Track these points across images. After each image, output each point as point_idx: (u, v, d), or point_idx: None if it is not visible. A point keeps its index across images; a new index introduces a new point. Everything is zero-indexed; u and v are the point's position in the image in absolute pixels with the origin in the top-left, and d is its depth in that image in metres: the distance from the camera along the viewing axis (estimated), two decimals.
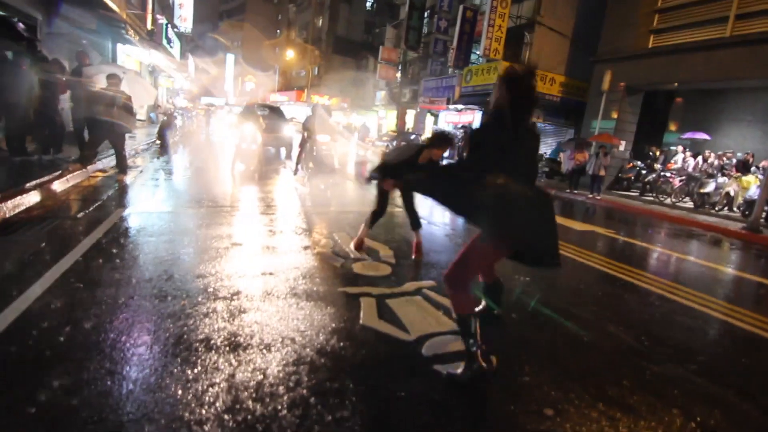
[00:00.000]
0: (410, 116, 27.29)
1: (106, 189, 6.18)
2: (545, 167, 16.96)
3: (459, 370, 2.19)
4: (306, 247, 4.29)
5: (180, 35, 22.81)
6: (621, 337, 2.96)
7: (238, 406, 1.82)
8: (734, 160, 12.33)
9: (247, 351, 2.26)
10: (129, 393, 1.85)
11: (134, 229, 4.42)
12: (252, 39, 51.68)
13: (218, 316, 2.62)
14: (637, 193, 13.40)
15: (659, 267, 5.36)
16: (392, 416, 1.86)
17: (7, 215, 4.27)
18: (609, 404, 2.12)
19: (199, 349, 2.24)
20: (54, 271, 3.03)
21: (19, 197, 4.66)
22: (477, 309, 2.94)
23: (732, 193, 10.99)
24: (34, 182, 5.24)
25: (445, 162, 4.00)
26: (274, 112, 14.80)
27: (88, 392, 1.82)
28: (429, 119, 25.66)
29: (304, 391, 1.96)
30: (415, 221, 4.27)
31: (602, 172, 12.51)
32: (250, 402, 1.86)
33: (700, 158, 12.95)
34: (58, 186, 5.72)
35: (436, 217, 6.40)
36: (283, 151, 13.56)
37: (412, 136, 21.89)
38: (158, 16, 16.17)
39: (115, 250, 3.64)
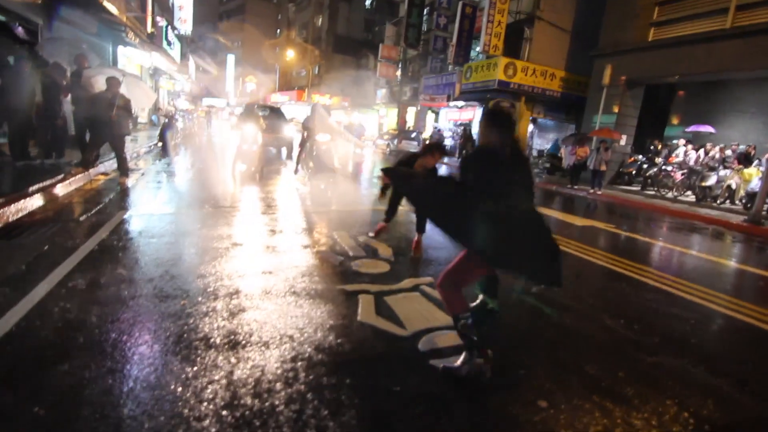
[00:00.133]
0: (411, 114, 27.28)
1: (108, 192, 6.24)
2: (546, 163, 16.94)
3: (455, 364, 2.22)
4: (305, 246, 4.33)
5: (180, 37, 22.88)
6: (617, 330, 2.99)
7: (236, 402, 1.86)
8: (730, 152, 12.25)
9: (246, 348, 2.30)
10: (130, 391, 1.89)
11: (136, 231, 4.47)
12: (252, 39, 51.75)
13: (218, 315, 2.66)
14: (639, 188, 13.36)
15: (659, 261, 5.36)
16: (387, 410, 1.89)
17: (11, 219, 4.33)
18: (603, 395, 2.15)
19: (199, 347, 2.29)
20: (57, 273, 3.08)
21: (22, 201, 4.72)
22: (473, 304, 2.97)
23: (734, 186, 10.94)
24: (36, 186, 5.30)
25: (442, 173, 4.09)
26: (275, 112, 14.85)
27: (90, 391, 1.87)
28: (430, 117, 25.64)
29: (301, 387, 2.00)
30: (421, 224, 4.30)
31: (603, 167, 12.47)
32: (248, 398, 1.90)
33: (701, 151, 12.89)
34: (60, 190, 5.78)
35: None
36: (284, 151, 13.61)
37: (413, 134, 21.90)
38: (158, 19, 16.24)
39: (116, 252, 3.69)
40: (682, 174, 11.95)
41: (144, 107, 14.24)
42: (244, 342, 2.37)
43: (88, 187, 6.48)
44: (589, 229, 6.79)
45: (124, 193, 6.27)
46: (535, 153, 18.98)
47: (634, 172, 13.94)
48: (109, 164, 7.92)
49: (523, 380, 2.26)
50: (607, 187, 13.13)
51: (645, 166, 13.52)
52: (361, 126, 12.13)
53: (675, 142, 14.24)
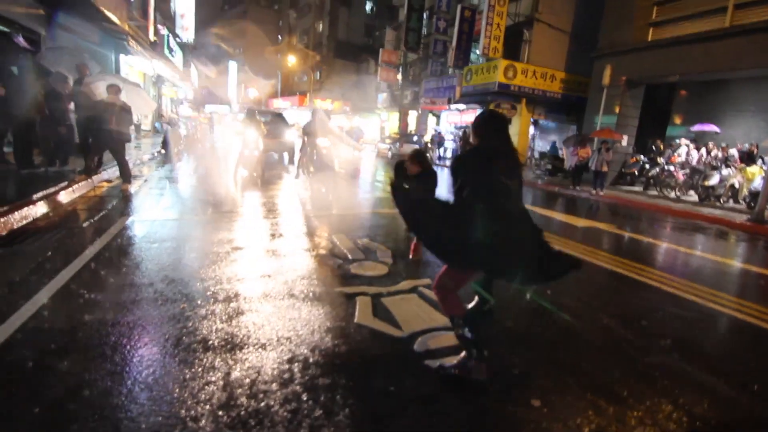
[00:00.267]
0: (412, 117, 27.36)
1: (111, 199, 6.31)
2: (548, 164, 16.93)
3: (451, 364, 2.24)
4: (305, 250, 4.37)
5: (182, 45, 23.10)
6: (616, 330, 2.99)
7: (232, 403, 1.89)
8: (734, 151, 12.20)
9: (243, 350, 2.33)
10: (129, 392, 1.92)
11: (137, 236, 4.52)
12: (254, 46, 52.13)
13: (216, 318, 2.70)
14: (641, 188, 13.32)
15: (660, 261, 5.35)
16: (381, 410, 1.91)
17: (15, 226, 4.39)
18: (598, 395, 2.16)
19: (197, 349, 2.32)
20: (59, 278, 3.12)
21: (26, 209, 4.78)
22: (470, 305, 2.98)
23: (737, 185, 10.90)
24: (40, 194, 5.37)
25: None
26: (276, 117, 14.94)
27: (90, 392, 1.90)
28: (431, 120, 25.72)
29: (297, 388, 2.03)
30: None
31: (605, 168, 12.44)
32: (244, 398, 1.93)
33: (703, 150, 12.85)
34: (64, 197, 5.85)
35: None
36: (286, 156, 13.69)
37: (415, 138, 21.95)
38: (160, 27, 16.41)
39: (118, 258, 3.74)
40: (685, 174, 11.92)
41: (146, 114, 14.36)
42: (241, 344, 2.40)
43: (91, 194, 6.55)
44: (591, 230, 6.79)
45: (126, 200, 6.33)
46: (536, 155, 19.00)
47: (636, 173, 13.91)
48: (112, 171, 8.00)
49: (518, 380, 2.27)
50: (609, 188, 13.10)
51: (647, 166, 13.49)
52: (359, 129, 12.18)
53: (677, 141, 14.22)
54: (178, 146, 14.47)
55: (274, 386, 2.03)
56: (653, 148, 14.37)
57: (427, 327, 2.72)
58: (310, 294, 3.18)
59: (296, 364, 2.23)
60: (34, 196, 5.19)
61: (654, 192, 12.56)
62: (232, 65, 48.71)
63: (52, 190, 5.69)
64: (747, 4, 10.51)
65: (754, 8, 10.36)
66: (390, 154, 21.80)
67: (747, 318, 3.42)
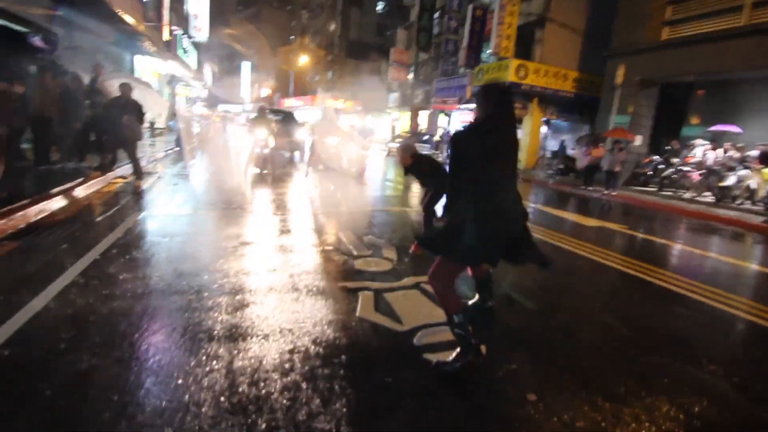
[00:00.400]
0: (423, 117, 27.33)
1: (125, 195, 6.46)
2: (560, 164, 16.76)
3: (448, 359, 2.26)
4: (311, 246, 4.43)
5: (196, 45, 23.44)
6: (616, 328, 2.98)
7: (234, 389, 1.94)
8: (756, 152, 11.93)
9: (247, 341, 2.39)
10: (136, 378, 2.00)
11: (149, 231, 4.64)
12: (267, 46, 52.57)
13: (222, 310, 2.76)
14: (656, 189, 13.12)
15: (670, 261, 5.29)
16: (377, 401, 1.95)
17: (33, 220, 4.54)
18: (595, 393, 2.17)
19: (203, 338, 2.38)
20: (72, 270, 3.23)
21: (43, 203, 4.93)
22: (470, 302, 3.01)
23: (754, 186, 10.67)
24: (57, 189, 5.53)
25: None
26: (287, 116, 15.08)
27: (99, 377, 1.97)
28: (443, 119, 25.65)
29: (297, 377, 2.07)
30: (427, 223, 4.39)
31: (618, 168, 12.30)
32: (245, 386, 1.98)
33: (720, 151, 12.60)
34: (79, 192, 6.01)
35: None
36: (297, 154, 13.81)
37: (426, 137, 21.93)
38: (174, 28, 16.68)
39: (130, 251, 3.84)
40: (700, 174, 11.71)
41: (160, 113, 14.64)
42: (245, 334, 2.46)
43: (105, 189, 6.72)
44: (601, 230, 6.72)
45: (139, 196, 6.47)
46: (549, 154, 18.82)
47: (650, 173, 13.70)
48: (126, 168, 8.18)
49: (514, 375, 2.28)
50: (622, 189, 12.93)
51: (661, 166, 13.28)
52: (367, 128, 12.31)
53: (693, 141, 13.94)
54: (191, 144, 14.70)
55: (275, 375, 2.08)
56: (668, 148, 14.13)
57: (427, 322, 2.75)
58: (314, 288, 3.24)
59: (297, 354, 2.28)
60: (51, 191, 5.35)
61: (668, 193, 12.37)
62: (245, 65, 49.20)
63: (68, 185, 5.85)
64: (764, 2, 10.29)
65: None
66: None
67: (760, 321, 3.37)
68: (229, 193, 7.27)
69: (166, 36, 15.22)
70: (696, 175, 11.76)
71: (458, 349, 2.25)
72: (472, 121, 2.31)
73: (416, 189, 8.42)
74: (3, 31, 6.73)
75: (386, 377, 2.13)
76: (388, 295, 3.17)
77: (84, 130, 7.71)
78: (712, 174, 11.51)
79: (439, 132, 23.61)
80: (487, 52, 18.65)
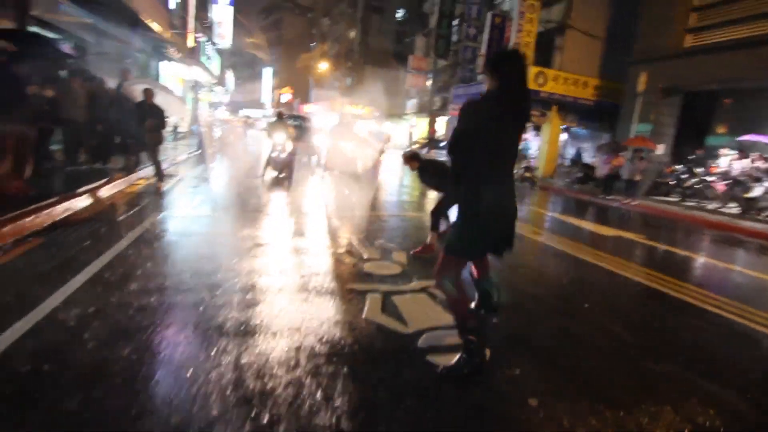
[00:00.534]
0: (441, 123, 27.34)
1: (146, 195, 6.68)
2: (579, 172, 16.51)
3: (454, 364, 2.25)
4: (323, 248, 4.50)
5: (219, 51, 24.05)
6: (625, 338, 2.94)
7: (240, 382, 2.01)
8: None
9: (255, 337, 2.46)
10: (148, 368, 2.08)
11: (167, 230, 4.79)
12: (288, 53, 53.53)
13: (233, 308, 2.84)
14: (678, 199, 12.79)
15: (688, 272, 5.16)
16: (378, 399, 1.98)
17: (59, 217, 4.74)
18: (596, 399, 2.15)
19: (213, 334, 2.46)
20: (93, 266, 3.36)
21: (69, 202, 5.15)
22: (472, 305, 3.01)
23: None
24: (83, 189, 5.76)
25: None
26: (305, 121, 15.33)
27: (114, 366, 2.07)
28: None
29: (301, 374, 2.13)
30: (435, 224, 4.46)
31: (638, 177, 12.08)
32: (251, 380, 2.04)
33: (747, 161, 12.22)
34: (104, 192, 6.24)
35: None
36: (314, 159, 14.00)
37: (443, 143, 21.94)
38: (198, 35, 17.18)
39: (148, 250, 3.98)
40: (726, 185, 11.38)
41: (183, 118, 15.07)
42: (253, 331, 2.53)
43: (128, 190, 6.95)
44: (618, 240, 6.61)
45: (160, 197, 6.68)
46: (567, 162, 18.57)
47: (672, 183, 13.38)
48: (149, 170, 8.45)
49: (516, 380, 2.28)
50: (642, 198, 12.66)
51: (684, 176, 12.96)
52: (383, 133, 12.51)
53: (719, 151, 13.56)
54: (211, 148, 15.06)
55: (280, 371, 2.14)
56: (692, 157, 13.79)
57: (432, 325, 2.77)
58: (323, 289, 3.30)
59: (303, 352, 2.34)
60: (77, 191, 5.58)
61: (691, 203, 12.05)
62: (266, 71, 50.17)
63: (93, 185, 6.09)
64: None
65: None
66: None
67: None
68: (247, 195, 7.44)
69: (190, 43, 15.70)
70: (721, 186, 11.43)
71: (463, 353, 2.24)
72: (483, 92, 2.17)
73: (432, 195, 8.43)
74: (35, 37, 7.07)
75: (388, 377, 2.16)
76: (396, 297, 3.21)
77: (109, 133, 8.01)
78: (737, 185, 11.17)
79: None
80: None
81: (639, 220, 9.54)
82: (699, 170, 12.68)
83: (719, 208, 11.16)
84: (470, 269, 2.83)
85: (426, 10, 29.58)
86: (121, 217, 5.13)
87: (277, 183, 8.95)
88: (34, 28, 7.91)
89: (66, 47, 7.73)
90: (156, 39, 12.01)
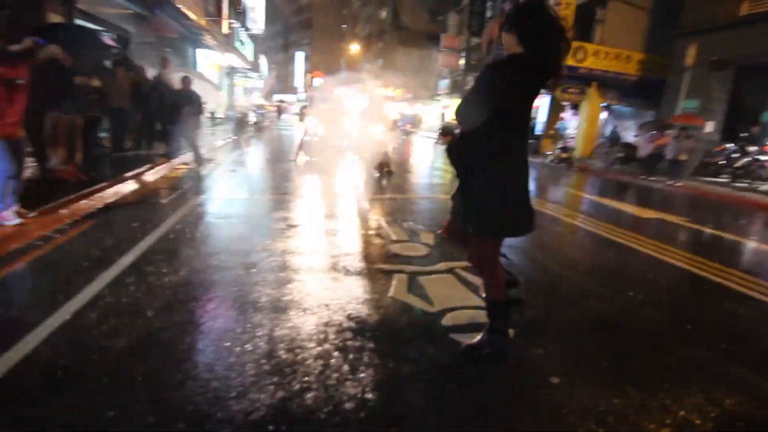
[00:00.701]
0: None
1: (187, 179, 7.02)
2: (619, 152, 15.78)
3: (476, 342, 2.29)
4: (352, 230, 4.62)
5: (252, 37, 24.37)
6: (655, 321, 2.89)
7: (273, 354, 2.16)
8: None
9: (287, 313, 2.61)
10: (192, 339, 2.27)
11: (207, 212, 5.05)
12: (319, 35, 53.45)
13: (267, 285, 3.01)
14: (728, 180, 12.04)
15: (735, 258, 4.92)
16: (400, 373, 2.08)
17: (109, 200, 5.09)
18: (620, 379, 2.15)
19: (248, 309, 2.63)
20: (140, 246, 3.63)
21: (117, 186, 5.51)
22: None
23: None
24: (129, 174, 6.14)
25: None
26: (338, 104, 15.38)
27: (160, 337, 2.26)
28: None
29: (329, 347, 2.25)
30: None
31: (684, 157, 11.44)
32: (283, 351, 2.19)
33: None
34: (148, 177, 6.62)
35: None
36: (345, 142, 14.12)
37: None
38: (232, 21, 17.47)
39: (189, 230, 4.23)
40: None
41: (220, 104, 15.52)
42: (285, 307, 2.68)
43: (170, 175, 7.33)
44: (660, 223, 6.36)
45: (199, 181, 7.01)
46: (608, 142, 17.78)
47: (722, 162, 12.58)
48: (189, 155, 8.84)
49: (539, 358, 2.31)
50: (688, 179, 12.00)
51: (735, 155, 12.14)
52: (409, 116, 12.49)
53: None
54: (247, 133, 15.47)
55: (310, 344, 2.27)
56: (745, 135, 12.87)
57: (457, 305, 2.83)
58: (352, 269, 3.41)
59: (331, 327, 2.46)
60: (124, 176, 5.95)
61: (743, 184, 11.31)
62: (299, 55, 50.40)
63: (138, 170, 6.47)
64: None
65: None
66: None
67: None
68: (280, 179, 7.67)
69: (225, 29, 16.01)
70: None
71: (487, 332, 2.27)
72: (506, 56, 1.92)
73: None
74: (81, 29, 7.46)
75: (411, 352, 2.25)
76: (422, 278, 3.28)
77: (151, 120, 8.41)
78: None
79: None
80: None
81: (684, 202, 9.10)
82: (752, 149, 11.83)
83: None
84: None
85: None
86: (165, 200, 5.44)
87: (309, 166, 9.14)
88: (79, 21, 8.34)
89: (107, 39, 8.11)
90: (192, 27, 12.34)
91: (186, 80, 7.44)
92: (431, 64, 31.57)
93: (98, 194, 5.01)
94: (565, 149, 14.75)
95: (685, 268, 4.10)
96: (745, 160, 11.49)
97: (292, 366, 2.07)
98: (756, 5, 11.15)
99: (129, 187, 5.82)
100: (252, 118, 20.45)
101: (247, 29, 24.09)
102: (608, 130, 18.01)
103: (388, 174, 8.28)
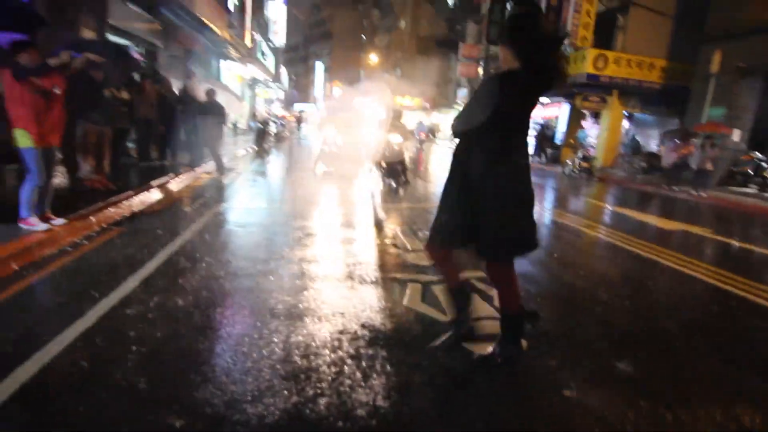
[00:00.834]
0: None
1: (209, 188, 7.23)
2: (642, 161, 15.44)
3: (490, 353, 2.31)
4: (369, 239, 4.68)
5: (274, 49, 24.96)
6: (673, 334, 2.84)
7: (289, 359, 2.21)
8: None
9: (303, 320, 2.67)
10: (210, 343, 2.35)
11: (228, 220, 5.20)
12: (339, 46, 54.30)
13: (284, 292, 3.08)
14: (756, 190, 11.65)
15: (755, 268, 4.77)
16: (413, 380, 2.10)
17: (136, 209, 5.29)
18: (633, 391, 2.12)
19: (265, 315, 2.70)
20: (164, 252, 3.76)
21: (143, 194, 5.72)
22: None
23: None
24: (155, 183, 6.36)
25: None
26: (355, 114, 15.58)
27: (179, 341, 2.35)
28: None
29: (343, 354, 2.29)
30: None
31: (709, 166, 11.12)
32: (298, 357, 2.24)
33: None
34: (173, 185, 6.84)
35: None
36: (364, 152, 14.27)
37: None
38: (254, 33, 17.95)
39: (211, 238, 4.37)
40: None
41: (242, 115, 15.93)
42: (301, 315, 2.74)
43: (193, 184, 7.56)
44: (684, 235, 6.21)
45: (221, 190, 7.21)
46: (623, 150, 17.43)
47: (750, 172, 12.19)
48: (211, 165, 9.10)
49: (552, 369, 2.30)
50: (714, 189, 11.67)
51: (765, 164, 11.76)
52: (422, 125, 12.76)
53: None
54: (268, 143, 15.80)
55: (325, 351, 2.32)
56: None
57: (471, 315, 2.83)
58: (367, 278, 3.46)
59: (345, 335, 2.51)
60: (150, 184, 6.17)
61: None
62: (319, 66, 51.24)
63: (163, 180, 6.69)
64: None
65: None
66: None
67: None
68: (299, 188, 7.81)
69: (248, 42, 16.48)
70: None
71: (500, 343, 2.29)
72: (503, 70, 1.92)
73: None
74: (111, 44, 7.82)
75: (423, 360, 2.27)
76: (436, 287, 3.30)
77: (176, 130, 8.70)
78: None
79: None
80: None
81: (709, 213, 8.85)
82: None
83: None
84: None
85: None
86: (188, 209, 5.63)
87: (327, 175, 9.28)
88: (111, 36, 8.74)
89: (135, 53, 8.47)
90: (217, 40, 12.77)
91: (210, 92, 7.71)
92: (450, 73, 31.68)
93: (125, 202, 5.21)
94: (585, 158, 14.54)
95: (708, 282, 4.00)
96: None
97: (306, 372, 2.12)
98: None
99: (154, 195, 6.03)
100: (273, 128, 20.89)
101: (269, 41, 24.71)
102: (628, 139, 17.69)
103: (405, 183, 8.32)
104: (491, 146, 1.99)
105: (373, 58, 42.79)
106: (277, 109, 34.17)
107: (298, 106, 45.40)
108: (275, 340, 2.41)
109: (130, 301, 2.78)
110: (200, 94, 8.21)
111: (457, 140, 2.16)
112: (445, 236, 2.30)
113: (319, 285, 3.27)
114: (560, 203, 8.83)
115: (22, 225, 3.72)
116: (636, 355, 2.53)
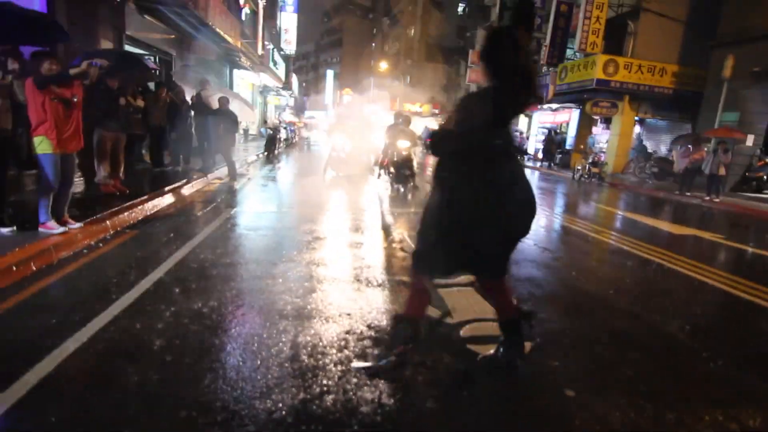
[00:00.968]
0: None
1: (221, 193, 7.35)
2: (654, 167, 15.29)
3: (493, 354, 2.33)
4: (376, 242, 4.73)
5: (285, 57, 25.32)
6: (677, 338, 2.83)
7: (297, 358, 2.27)
8: None
9: (310, 320, 2.72)
10: (220, 341, 2.41)
11: (238, 225, 5.29)
12: (349, 54, 54.82)
13: (292, 294, 3.14)
14: None
15: (765, 273, 4.71)
16: (418, 379, 2.14)
17: (148, 213, 5.42)
18: (635, 393, 2.13)
19: (274, 316, 2.77)
20: (176, 256, 3.85)
21: (156, 199, 5.85)
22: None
23: None
24: (168, 188, 6.50)
25: None
26: (364, 121, 15.72)
27: (190, 339, 2.42)
28: (522, 120, 24.76)
29: (350, 354, 2.34)
30: None
31: (722, 172, 10.99)
32: (306, 356, 2.29)
33: None
34: (185, 191, 6.98)
35: None
36: (372, 157, 14.38)
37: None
38: (266, 42, 18.26)
39: (222, 241, 4.46)
40: None
41: (253, 122, 16.18)
42: (309, 315, 2.80)
43: (206, 189, 7.70)
44: (691, 240, 6.16)
45: (232, 195, 7.33)
46: (636, 155, 17.27)
47: (764, 177, 12.03)
48: (223, 170, 9.26)
49: (555, 370, 2.32)
50: (728, 195, 11.52)
51: None
52: (427, 130, 12.68)
53: None
54: (279, 149, 16.00)
55: (332, 350, 2.37)
56: None
57: (475, 317, 2.87)
58: (374, 280, 3.51)
59: (352, 335, 2.56)
60: (163, 190, 6.31)
61: None
62: (329, 74, 51.75)
63: (176, 185, 6.84)
64: None
65: None
66: None
67: None
68: (308, 193, 7.90)
69: (260, 50, 16.76)
70: None
71: (502, 344, 2.31)
72: (483, 87, 2.00)
73: None
74: (127, 54, 8.04)
75: (427, 360, 2.31)
76: (443, 290, 3.33)
77: (188, 137, 8.89)
78: None
79: (517, 134, 22.84)
80: (572, 47, 17.68)
81: (721, 218, 8.74)
82: None
83: None
84: None
85: (487, 2, 28.89)
86: (200, 213, 5.74)
87: (336, 181, 9.37)
88: (128, 46, 8.99)
89: (150, 63, 8.69)
90: (230, 48, 13.02)
91: (223, 100, 7.88)
92: (459, 79, 31.78)
93: (139, 207, 5.34)
94: (595, 164, 14.45)
95: (717, 287, 3.97)
96: None
97: (313, 370, 2.17)
98: None
99: (167, 200, 6.17)
100: (283, 134, 21.15)
101: (280, 50, 25.09)
102: (636, 143, 17.57)
103: (413, 188, 8.38)
104: (474, 165, 1.98)
105: (383, 65, 43.11)
106: (288, 116, 34.61)
107: (308, 113, 45.89)
108: (284, 339, 2.47)
109: (144, 301, 2.87)
110: (213, 101, 8.38)
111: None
112: (437, 264, 2.18)
113: (326, 287, 3.33)
114: (570, 208, 8.80)
115: (41, 229, 3.85)
116: (639, 357, 2.54)
